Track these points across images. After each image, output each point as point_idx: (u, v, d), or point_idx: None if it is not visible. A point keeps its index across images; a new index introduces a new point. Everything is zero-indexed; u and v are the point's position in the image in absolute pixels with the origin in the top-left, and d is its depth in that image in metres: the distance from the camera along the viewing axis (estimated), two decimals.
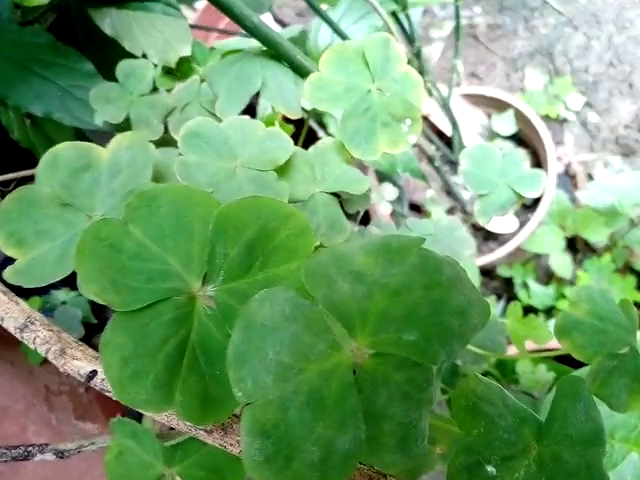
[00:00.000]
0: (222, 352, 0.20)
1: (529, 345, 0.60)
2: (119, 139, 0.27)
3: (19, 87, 0.48)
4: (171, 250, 0.23)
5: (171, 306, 0.22)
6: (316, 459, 0.17)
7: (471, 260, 0.51)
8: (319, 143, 0.36)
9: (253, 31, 0.32)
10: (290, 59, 0.36)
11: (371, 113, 0.34)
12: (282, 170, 0.34)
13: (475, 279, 0.50)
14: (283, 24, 1.07)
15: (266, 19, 0.95)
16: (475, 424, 0.24)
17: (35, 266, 0.25)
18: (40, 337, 0.26)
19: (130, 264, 0.22)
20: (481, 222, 0.55)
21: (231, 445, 0.23)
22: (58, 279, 0.24)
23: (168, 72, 0.50)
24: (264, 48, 0.35)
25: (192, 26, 0.85)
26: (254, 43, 0.35)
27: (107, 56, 0.55)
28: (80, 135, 0.59)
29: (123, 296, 0.21)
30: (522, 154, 0.55)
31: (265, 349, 0.19)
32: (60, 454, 0.35)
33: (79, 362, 0.25)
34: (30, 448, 0.34)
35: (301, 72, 0.37)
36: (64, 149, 0.27)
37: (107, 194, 0.26)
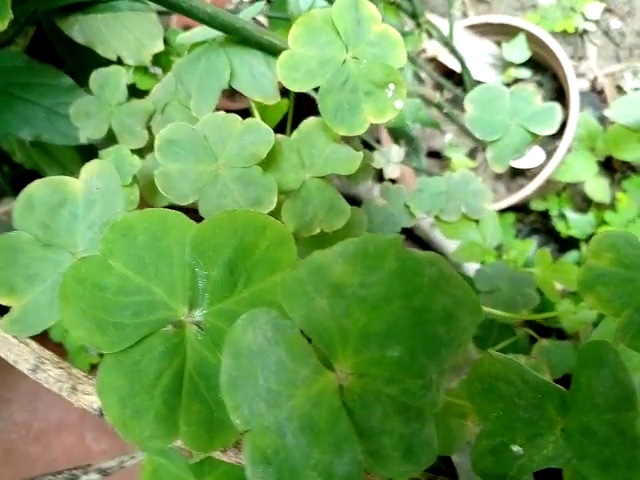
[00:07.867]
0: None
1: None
2: (89, 168, 0.27)
3: (4, 114, 0.48)
4: (154, 279, 0.23)
5: (160, 339, 0.21)
6: None
7: (490, 212, 0.49)
8: (302, 125, 0.35)
9: (210, 22, 0.30)
10: (257, 41, 0.33)
11: (351, 84, 0.32)
12: (267, 162, 0.33)
13: (497, 231, 0.48)
14: None
15: None
16: (493, 407, 0.23)
17: (30, 311, 0.25)
18: (52, 376, 0.26)
19: (114, 300, 0.22)
20: (497, 169, 0.52)
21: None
22: (54, 322, 0.24)
23: (148, 71, 0.49)
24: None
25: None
26: (217, 31, 0.33)
27: (86, 63, 0.53)
28: (84, 148, 0.58)
29: (110, 336, 0.21)
30: (532, 89, 0.51)
31: (255, 375, 0.19)
32: (104, 472, 0.36)
33: (91, 397, 0.25)
34: (75, 471, 0.36)
35: (273, 52, 0.35)
36: (37, 188, 0.26)
37: (86, 227, 0.26)
